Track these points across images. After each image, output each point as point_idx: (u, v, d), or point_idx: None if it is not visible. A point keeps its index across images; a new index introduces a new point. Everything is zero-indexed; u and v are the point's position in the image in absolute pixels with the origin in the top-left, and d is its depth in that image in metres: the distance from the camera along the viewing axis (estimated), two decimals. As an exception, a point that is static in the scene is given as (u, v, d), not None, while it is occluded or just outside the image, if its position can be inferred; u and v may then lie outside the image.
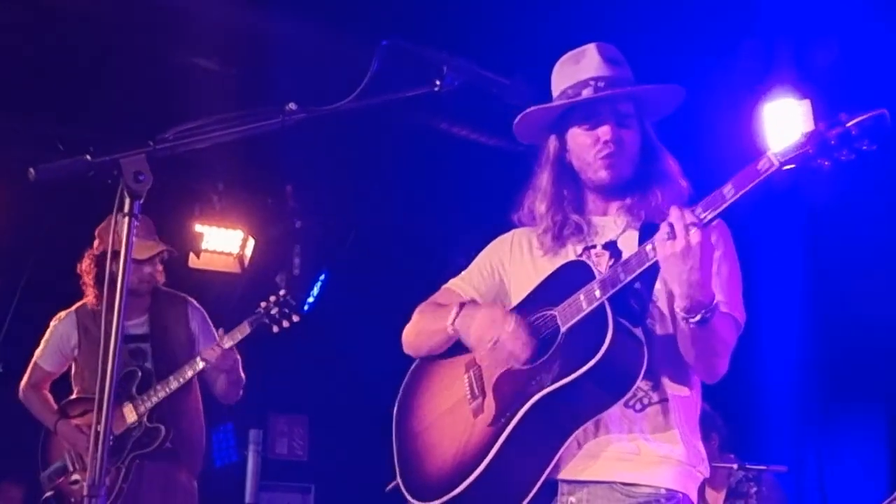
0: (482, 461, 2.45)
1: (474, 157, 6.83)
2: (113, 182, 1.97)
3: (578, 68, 2.67)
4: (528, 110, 2.69)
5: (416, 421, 2.77)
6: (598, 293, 2.41)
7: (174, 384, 4.73)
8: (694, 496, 2.54)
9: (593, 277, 2.44)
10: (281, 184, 7.71)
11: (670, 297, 2.49)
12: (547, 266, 2.66)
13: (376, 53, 2.23)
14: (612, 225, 2.67)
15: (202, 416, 4.97)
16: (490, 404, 2.54)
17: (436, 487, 2.56)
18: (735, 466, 5.01)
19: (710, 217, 2.28)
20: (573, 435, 2.44)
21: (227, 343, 4.71)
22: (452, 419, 2.65)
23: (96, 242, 4.85)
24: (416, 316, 2.85)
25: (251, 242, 7.87)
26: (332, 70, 5.59)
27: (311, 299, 8.45)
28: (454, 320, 2.66)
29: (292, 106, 2.15)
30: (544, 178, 2.75)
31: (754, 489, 4.85)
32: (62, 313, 4.99)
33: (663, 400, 2.51)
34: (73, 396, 4.97)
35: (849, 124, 2.12)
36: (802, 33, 5.74)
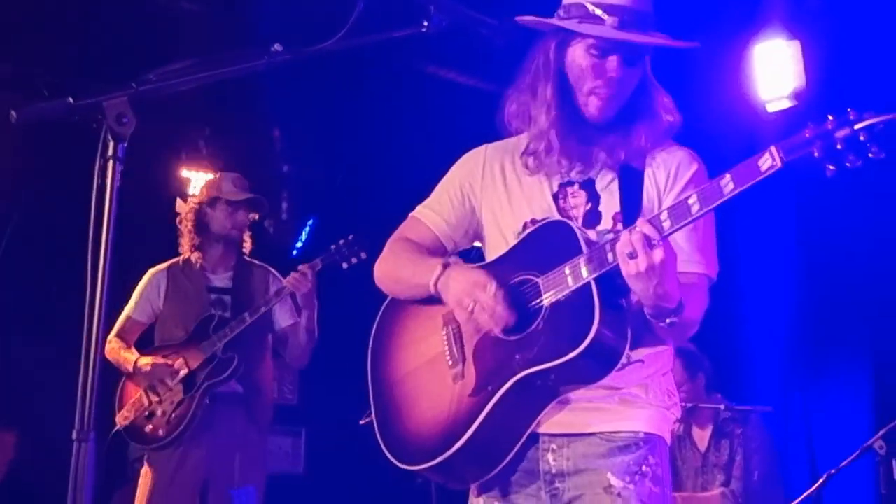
0: (466, 431, 2.43)
1: (462, 99, 6.78)
2: (97, 125, 1.95)
3: None
4: (537, 21, 2.58)
5: (392, 368, 2.74)
6: (584, 272, 2.35)
7: (248, 319, 4.93)
8: (668, 437, 2.59)
9: (579, 250, 2.38)
10: (268, 128, 7.65)
11: None
12: (518, 193, 2.59)
13: (362, -8, 2.19)
14: (593, 160, 2.58)
15: (271, 378, 5.27)
16: (471, 372, 2.50)
17: (417, 451, 2.54)
18: (722, 406, 5.05)
19: (679, 226, 2.23)
20: (553, 401, 2.46)
21: (306, 269, 4.95)
22: (430, 377, 2.61)
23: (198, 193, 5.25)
24: (389, 256, 2.78)
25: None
26: (317, 10, 5.52)
27: (299, 244, 8.44)
28: (437, 281, 2.60)
29: (277, 47, 2.12)
30: (548, 89, 2.59)
31: (740, 429, 4.90)
32: (159, 265, 5.24)
33: (639, 361, 2.52)
34: (155, 346, 5.16)
35: (857, 126, 2.04)
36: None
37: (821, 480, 5.17)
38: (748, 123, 6.34)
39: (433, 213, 2.80)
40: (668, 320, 2.32)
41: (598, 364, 2.37)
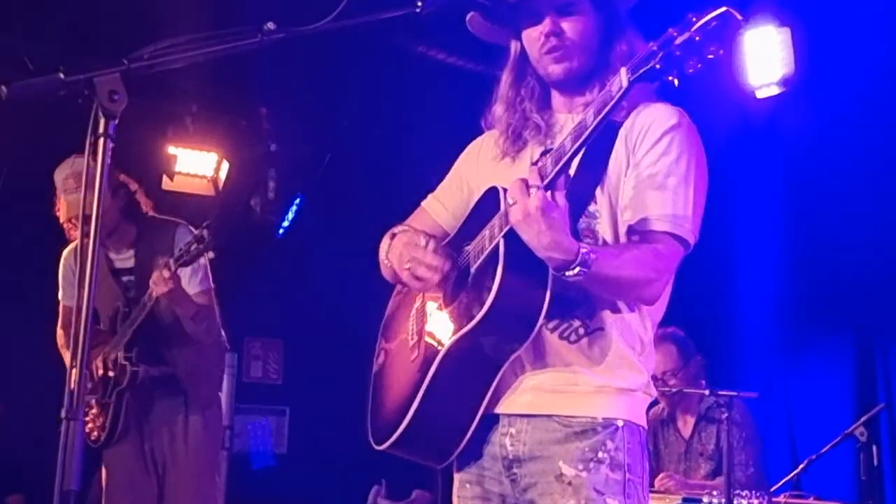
0: (412, 405, 2.42)
1: (451, 80, 6.76)
2: (85, 101, 1.93)
3: None
4: (469, 16, 2.59)
5: (380, 357, 2.77)
6: (496, 231, 2.34)
7: (147, 304, 4.51)
8: (638, 418, 2.48)
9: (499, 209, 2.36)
10: (256, 106, 7.62)
11: (613, 219, 2.43)
12: (504, 172, 2.57)
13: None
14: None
15: (206, 351, 4.79)
16: (422, 347, 2.51)
17: (382, 430, 2.55)
18: (706, 392, 5.07)
19: (559, 167, 2.19)
20: (499, 374, 2.41)
21: (163, 269, 4.37)
22: (398, 358, 2.64)
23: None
24: (385, 239, 2.77)
25: (225, 165, 7.81)
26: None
27: (286, 223, 8.43)
28: (387, 253, 2.63)
29: (271, 25, 2.11)
30: (504, 81, 2.65)
31: (724, 414, 4.92)
32: (69, 246, 4.86)
33: (599, 329, 2.42)
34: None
35: (693, 29, 2.00)
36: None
37: (802, 466, 5.22)
38: (738, 110, 6.36)
39: (436, 202, 2.82)
40: (568, 273, 2.20)
41: (518, 321, 2.32)
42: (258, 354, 9.81)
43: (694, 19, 2.02)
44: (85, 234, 1.89)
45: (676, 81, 2.05)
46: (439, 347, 2.41)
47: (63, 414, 1.84)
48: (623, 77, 2.11)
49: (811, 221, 6.80)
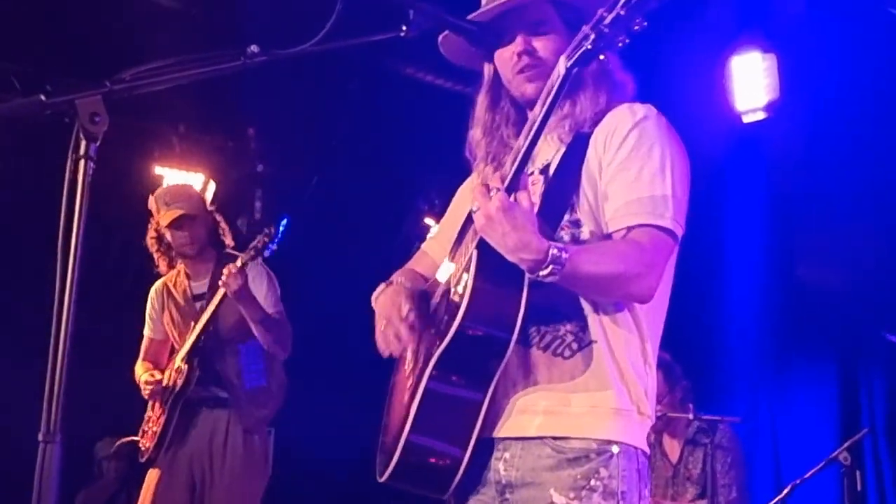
0: (402, 436, 2.38)
1: (439, 102, 6.77)
2: (69, 121, 1.92)
3: None
4: (441, 37, 2.59)
5: (389, 394, 2.74)
6: (470, 244, 2.33)
7: (199, 325, 4.84)
8: (638, 441, 2.41)
9: None
10: (243, 126, 7.62)
11: (596, 224, 2.39)
12: None
13: (341, -5, 2.18)
14: (550, 143, 2.50)
15: (255, 371, 5.06)
16: (415, 372, 2.48)
17: (382, 462, 2.52)
18: (691, 416, 5.07)
19: (516, 166, 2.20)
20: (488, 395, 2.35)
21: (232, 268, 4.72)
22: (399, 389, 2.62)
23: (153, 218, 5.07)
24: (382, 285, 2.76)
25: (212, 185, 7.79)
26: (294, 10, 5.50)
27: (272, 244, 8.39)
28: (375, 299, 2.65)
29: (254, 48, 2.10)
30: (479, 106, 2.64)
31: (708, 439, 4.92)
32: (159, 280, 5.23)
33: (592, 342, 2.35)
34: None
35: (619, 6, 2.06)
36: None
37: (786, 491, 5.20)
38: (725, 134, 6.40)
39: (435, 243, 2.83)
40: (542, 273, 2.16)
41: (494, 331, 2.27)
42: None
43: None
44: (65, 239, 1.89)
45: (604, 56, 2.12)
46: (423, 372, 2.37)
47: (40, 437, 1.82)
48: (561, 65, 2.16)
49: (796, 245, 6.83)
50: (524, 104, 2.56)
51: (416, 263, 2.82)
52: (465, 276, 2.32)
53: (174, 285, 5.14)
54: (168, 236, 5.04)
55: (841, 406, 6.72)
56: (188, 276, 5.14)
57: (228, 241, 5.22)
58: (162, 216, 4.99)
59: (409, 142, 7.39)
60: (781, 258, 6.88)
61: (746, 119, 6.13)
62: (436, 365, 2.32)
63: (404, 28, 2.33)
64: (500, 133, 2.60)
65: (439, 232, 2.85)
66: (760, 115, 6.08)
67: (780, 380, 7.05)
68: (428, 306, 2.58)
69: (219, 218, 5.23)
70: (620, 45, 2.09)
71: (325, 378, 8.91)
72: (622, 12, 2.05)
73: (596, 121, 2.44)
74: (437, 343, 2.33)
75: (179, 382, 4.88)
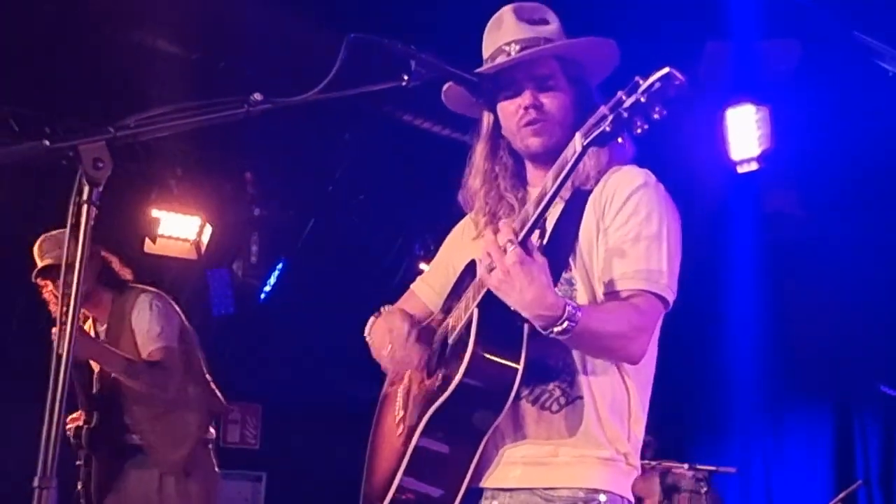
0: (393, 482, 2.41)
1: (436, 149, 6.81)
2: (70, 164, 1.93)
3: (499, 34, 2.56)
4: (445, 87, 2.59)
5: (372, 437, 2.75)
6: (471, 300, 2.35)
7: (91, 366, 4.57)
8: (623, 490, 2.42)
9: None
10: (240, 170, 7.65)
11: (589, 285, 2.42)
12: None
13: (344, 46, 2.19)
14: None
15: (183, 408, 4.70)
16: (406, 420, 2.51)
17: None
18: (686, 467, 5.05)
19: (524, 233, 2.19)
20: (480, 447, 2.37)
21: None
22: (387, 434, 2.63)
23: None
24: (372, 317, 2.77)
25: (208, 229, 7.80)
26: (295, 58, 5.55)
27: (267, 287, 8.41)
28: (369, 331, 2.65)
29: (257, 96, 2.11)
30: (478, 153, 2.65)
31: (704, 489, 4.89)
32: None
33: (579, 397, 2.38)
34: None
35: (640, 91, 2.04)
36: (765, 39, 5.81)
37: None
38: (720, 184, 6.46)
39: (424, 285, 2.84)
40: (556, 329, 2.17)
41: (492, 390, 2.30)
42: (236, 418, 9.72)
43: (640, 81, 2.06)
44: (66, 285, 1.89)
45: (621, 140, 2.10)
46: (419, 421, 2.39)
47: (35, 482, 1.82)
48: (577, 142, 2.15)
49: (792, 296, 6.85)
50: (526, 156, 2.60)
51: (405, 304, 2.83)
52: (464, 334, 2.35)
53: (88, 329, 4.84)
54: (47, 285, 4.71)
55: (835, 457, 6.71)
56: (94, 319, 4.83)
57: (127, 275, 4.82)
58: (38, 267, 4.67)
59: (405, 187, 7.43)
60: (777, 308, 6.89)
61: (741, 169, 6.20)
62: (430, 421, 2.36)
63: (406, 77, 2.35)
64: (498, 184, 2.62)
65: (429, 275, 2.86)
66: (754, 166, 6.15)
67: (776, 431, 7.05)
68: (426, 340, 2.58)
69: (108, 256, 4.80)
70: (639, 131, 2.08)
71: (319, 421, 8.88)
72: (642, 99, 2.04)
73: (596, 179, 2.47)
74: (432, 397, 2.37)
75: (82, 434, 4.59)
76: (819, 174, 6.40)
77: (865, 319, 6.55)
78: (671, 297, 2.40)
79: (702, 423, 7.13)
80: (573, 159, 2.15)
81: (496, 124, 2.62)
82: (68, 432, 4.65)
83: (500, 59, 2.52)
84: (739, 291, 7.08)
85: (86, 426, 4.62)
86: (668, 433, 6.89)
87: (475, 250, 2.59)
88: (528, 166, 2.62)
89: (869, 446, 6.56)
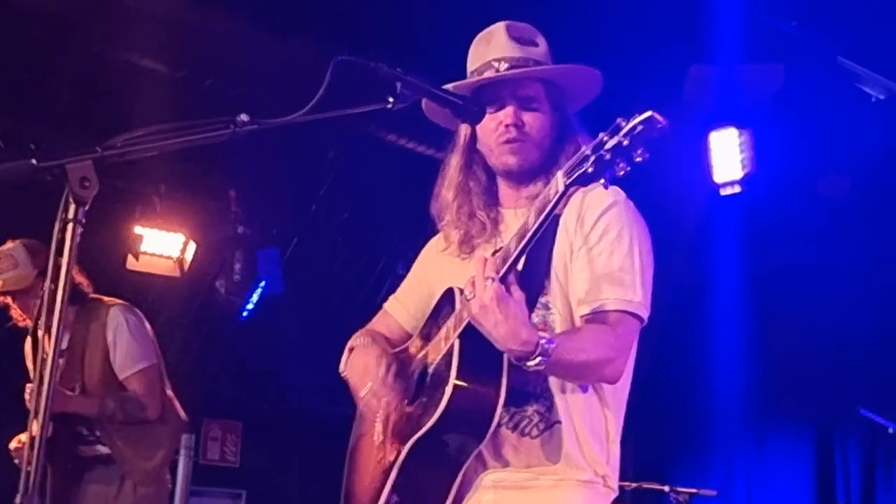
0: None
1: (419, 168, 6.81)
2: (55, 181, 1.93)
3: (488, 49, 2.58)
4: (423, 102, 2.58)
5: (350, 460, 2.75)
6: (451, 330, 2.38)
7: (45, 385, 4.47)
8: None
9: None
10: (224, 188, 7.64)
11: (566, 307, 2.45)
12: (457, 270, 2.57)
13: (330, 68, 2.20)
14: (520, 220, 2.49)
15: (157, 425, 4.66)
16: (386, 447, 2.52)
17: None
18: (666, 489, 5.06)
19: (506, 268, 2.21)
20: (460, 474, 2.40)
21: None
22: (366, 459, 2.63)
23: None
24: (345, 352, 2.78)
25: (192, 246, 7.78)
26: (281, 77, 5.56)
27: (250, 305, 8.39)
28: (344, 366, 2.66)
29: (244, 117, 2.12)
30: (453, 166, 2.66)
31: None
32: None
33: (557, 422, 2.42)
34: None
35: (621, 133, 2.04)
36: (748, 63, 5.86)
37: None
38: (703, 206, 6.51)
39: (398, 304, 2.85)
40: (529, 364, 2.20)
41: (473, 420, 2.32)
42: (216, 436, 9.68)
43: (622, 123, 2.06)
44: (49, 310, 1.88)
45: (605, 181, 2.09)
46: (400, 448, 2.41)
47: (18, 499, 1.81)
48: (560, 181, 2.15)
49: (775, 318, 6.88)
50: (500, 174, 2.61)
51: (379, 324, 2.84)
52: (445, 363, 2.37)
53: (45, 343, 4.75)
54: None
55: (817, 480, 6.73)
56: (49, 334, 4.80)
57: (86, 288, 4.73)
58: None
59: (388, 207, 7.43)
60: (759, 329, 6.92)
61: (724, 192, 6.25)
62: (412, 448, 2.38)
63: (391, 100, 2.36)
64: (471, 199, 2.63)
65: (401, 292, 2.86)
66: (737, 189, 6.21)
67: (758, 453, 7.06)
68: (403, 373, 2.59)
69: (77, 274, 4.62)
70: (622, 173, 2.07)
71: (300, 439, 8.86)
72: (625, 142, 2.04)
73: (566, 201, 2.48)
74: (414, 425, 2.38)
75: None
76: (802, 198, 6.45)
77: (847, 342, 6.58)
78: (645, 315, 2.44)
79: (684, 445, 7.14)
80: (555, 199, 2.15)
81: (473, 138, 2.63)
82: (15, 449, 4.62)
83: (489, 74, 2.54)
84: (723, 312, 7.11)
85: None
86: (649, 454, 6.92)
87: (451, 270, 2.62)
88: (501, 184, 2.64)
89: (850, 469, 6.59)
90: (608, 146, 2.06)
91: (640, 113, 2.05)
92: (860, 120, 5.98)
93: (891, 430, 5.38)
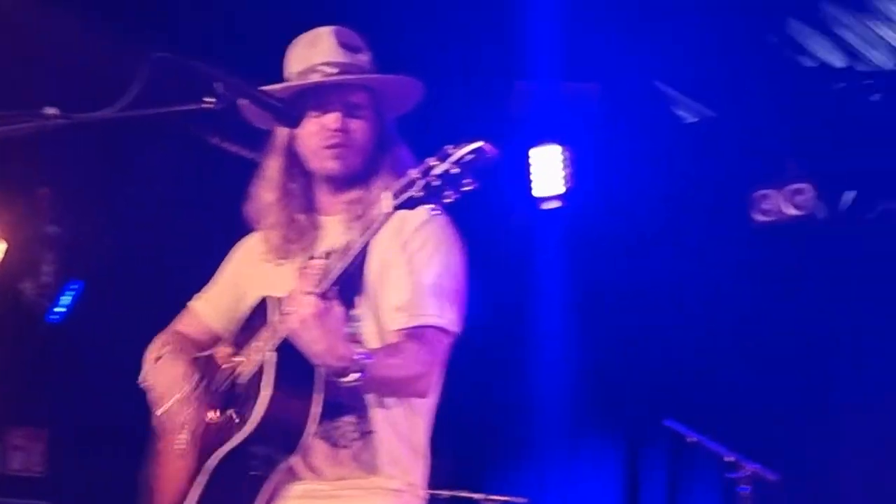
0: None
1: (241, 171, 6.72)
2: None
3: (314, 52, 2.57)
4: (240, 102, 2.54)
5: (150, 478, 2.66)
6: (263, 342, 2.37)
7: None
8: None
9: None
10: (37, 186, 7.31)
11: (375, 320, 2.46)
12: (273, 275, 2.56)
13: (146, 64, 2.13)
14: (337, 226, 2.56)
15: None
16: (190, 457, 2.47)
17: None
18: (481, 497, 5.12)
19: (328, 282, 2.21)
20: (270, 487, 2.37)
21: None
22: (167, 470, 2.57)
23: None
24: (151, 346, 2.71)
25: (2, 245, 7.42)
26: (96, 71, 5.37)
27: (60, 308, 8.06)
28: (145, 378, 2.62)
29: (51, 110, 2.02)
30: (272, 166, 2.64)
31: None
32: None
33: (369, 431, 2.44)
34: None
35: (450, 161, 2.05)
36: (567, 81, 6.03)
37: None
38: (526, 220, 6.66)
39: (205, 303, 2.79)
40: (345, 380, 2.22)
41: (285, 433, 2.32)
42: (19, 444, 9.26)
43: (451, 151, 2.06)
44: None
45: (433, 206, 2.10)
46: (209, 458, 2.37)
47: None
48: (386, 203, 2.13)
49: (591, 330, 7.06)
50: (321, 178, 2.60)
51: (183, 323, 2.78)
52: (258, 374, 2.33)
53: None
54: None
55: (625, 490, 6.95)
56: None
57: None
58: None
59: (209, 210, 7.28)
60: (577, 341, 7.09)
61: (544, 206, 6.43)
62: (222, 459, 2.35)
63: (211, 100, 2.30)
64: (290, 202, 2.60)
65: (211, 293, 2.81)
66: (557, 203, 6.40)
67: (570, 462, 7.22)
68: (210, 381, 2.54)
69: None
70: (448, 200, 2.07)
71: (109, 447, 8.55)
72: (453, 170, 2.04)
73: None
74: (224, 437, 2.35)
75: None
76: (620, 215, 6.68)
77: (657, 354, 6.82)
78: (458, 329, 2.48)
79: (502, 454, 7.24)
80: (380, 219, 2.15)
81: (291, 137, 2.60)
82: None
83: (315, 78, 2.52)
84: (543, 325, 7.25)
85: None
86: (468, 464, 6.99)
87: (265, 275, 2.60)
88: (319, 187, 2.62)
89: (654, 479, 6.82)
90: (436, 172, 2.06)
91: (470, 142, 2.05)
92: (673, 138, 6.25)
93: (690, 440, 5.59)
